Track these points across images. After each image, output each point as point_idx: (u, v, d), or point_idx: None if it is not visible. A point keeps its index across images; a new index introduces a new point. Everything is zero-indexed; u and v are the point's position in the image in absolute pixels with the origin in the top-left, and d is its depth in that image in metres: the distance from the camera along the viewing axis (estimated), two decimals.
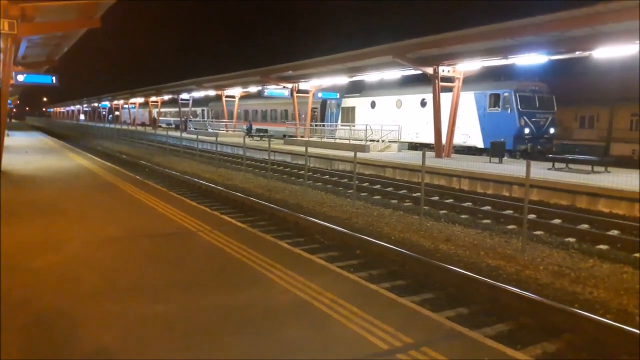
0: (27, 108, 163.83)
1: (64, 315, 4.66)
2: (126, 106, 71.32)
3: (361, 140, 26.69)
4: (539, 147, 22.83)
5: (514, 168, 15.16)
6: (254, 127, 40.12)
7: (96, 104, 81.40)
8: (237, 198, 14.05)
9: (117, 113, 79.80)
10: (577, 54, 16.18)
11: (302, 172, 17.80)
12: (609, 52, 15.22)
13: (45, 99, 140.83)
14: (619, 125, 33.05)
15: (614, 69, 27.54)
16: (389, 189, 16.37)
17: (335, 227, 10.29)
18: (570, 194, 13.18)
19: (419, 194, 12.13)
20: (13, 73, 19.56)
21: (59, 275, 5.80)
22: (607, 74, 29.81)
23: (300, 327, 4.45)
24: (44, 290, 5.31)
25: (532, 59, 17.56)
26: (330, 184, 17.74)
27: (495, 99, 23.68)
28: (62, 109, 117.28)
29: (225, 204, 13.75)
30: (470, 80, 22.81)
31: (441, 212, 12.83)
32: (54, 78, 22.18)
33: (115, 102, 70.77)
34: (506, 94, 23.14)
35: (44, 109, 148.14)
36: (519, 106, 22.75)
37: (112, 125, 60.49)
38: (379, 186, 16.89)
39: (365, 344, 4.12)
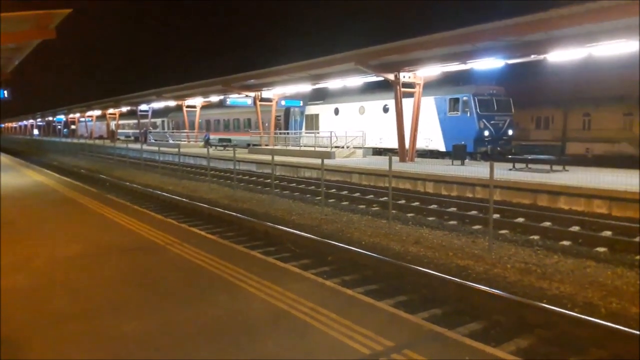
0: None
1: (33, 338, 4.45)
2: (83, 119, 69.39)
3: (326, 147, 26.82)
4: (498, 148, 23.49)
5: (476, 170, 15.54)
6: (217, 137, 39.78)
7: (51, 118, 78.79)
8: (203, 209, 13.84)
9: (73, 127, 77.51)
10: (532, 57, 16.76)
11: (268, 180, 17.71)
12: (561, 56, 15.85)
13: None
14: (572, 126, 34.40)
15: (566, 72, 28.71)
16: (356, 194, 16.49)
17: (306, 234, 10.27)
18: (532, 193, 13.61)
19: (386, 198, 12.25)
20: None
21: (25, 296, 5.55)
22: (560, 77, 31.04)
23: (280, 336, 4.40)
24: (9, 313, 5.06)
25: (490, 64, 18.08)
26: (297, 192, 17.71)
27: (454, 103, 24.27)
28: (14, 124, 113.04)
29: (192, 215, 13.51)
30: (430, 86, 23.28)
31: (408, 215, 13.01)
32: (5, 92, 21.45)
33: (71, 115, 68.75)
34: (465, 98, 23.76)
35: None
36: (477, 109, 23.38)
37: (69, 140, 58.69)
38: (346, 192, 16.97)
39: (347, 350, 4.11)
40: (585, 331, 5.58)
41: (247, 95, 31.51)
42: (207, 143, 37.37)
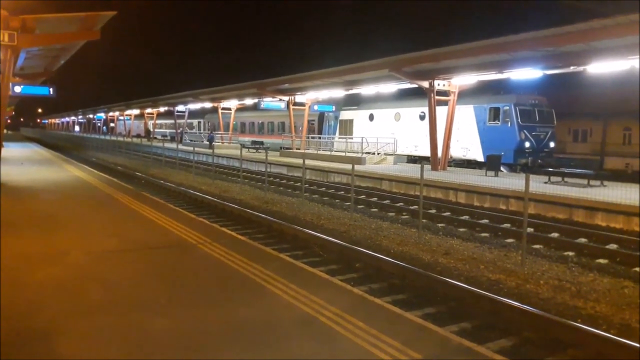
0: (21, 119, 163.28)
1: (66, 329, 4.60)
2: (122, 118, 71.28)
3: (357, 152, 26.75)
4: (539, 161, 22.79)
5: (510, 181, 15.21)
6: (251, 139, 40.22)
7: (91, 116, 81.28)
8: (234, 210, 14.00)
9: (112, 125, 79.72)
10: (572, 68, 16.35)
11: (299, 184, 17.78)
12: (602, 68, 15.40)
13: (40, 110, 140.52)
14: (611, 140, 33.34)
15: (607, 84, 27.83)
16: (386, 201, 16.38)
17: (334, 239, 10.26)
18: (568, 207, 13.24)
19: (416, 206, 12.12)
20: (10, 84, 19.48)
21: (60, 288, 5.74)
22: (600, 89, 30.12)
23: (306, 341, 4.42)
24: (45, 303, 5.25)
25: (527, 74, 17.72)
26: (326, 196, 17.72)
27: (495, 113, 23.70)
28: (57, 120, 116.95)
29: (223, 215, 13.70)
30: (469, 94, 22.89)
31: (439, 225, 12.83)
32: (51, 89, 22.09)
33: (111, 113, 70.74)
34: (506, 108, 23.18)
35: (38, 120, 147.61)
36: (519, 120, 22.77)
37: (107, 137, 60.36)
38: (375, 199, 16.88)
39: (373, 359, 4.08)
40: (621, 353, 5.39)
41: (280, 99, 31.82)
42: (211, 144, 37.76)
